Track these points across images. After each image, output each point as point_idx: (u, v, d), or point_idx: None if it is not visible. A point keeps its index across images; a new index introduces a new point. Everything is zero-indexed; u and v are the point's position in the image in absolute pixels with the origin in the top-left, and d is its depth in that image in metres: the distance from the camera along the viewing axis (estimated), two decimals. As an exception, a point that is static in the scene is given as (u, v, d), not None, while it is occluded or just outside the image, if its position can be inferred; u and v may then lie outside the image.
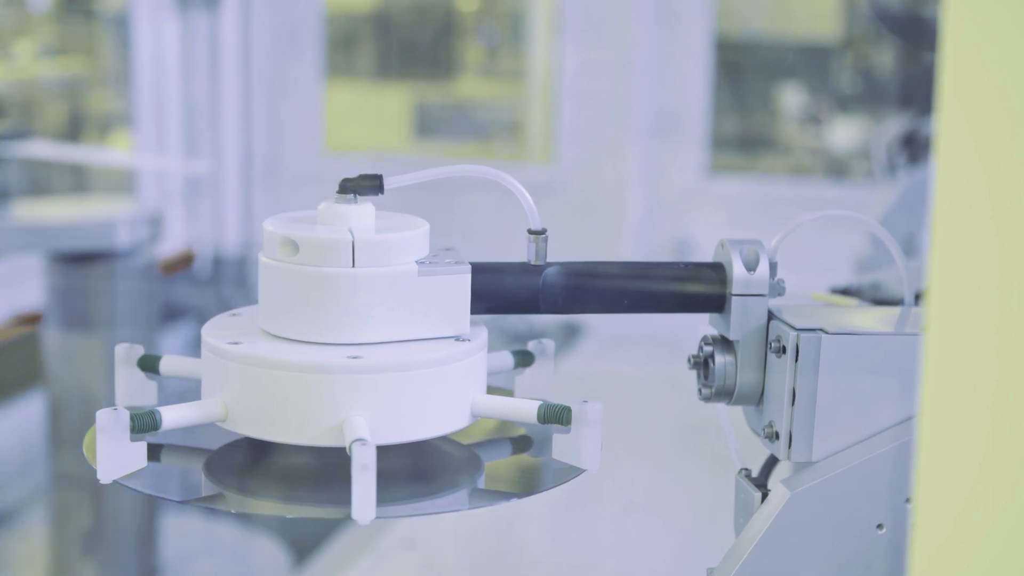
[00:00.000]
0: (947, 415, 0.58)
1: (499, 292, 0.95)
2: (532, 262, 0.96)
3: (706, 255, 1.00)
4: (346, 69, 4.45)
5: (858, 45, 4.30)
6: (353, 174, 0.95)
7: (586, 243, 3.60)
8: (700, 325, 1.04)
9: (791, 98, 4.23)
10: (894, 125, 2.67)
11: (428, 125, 4.52)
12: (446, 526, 1.98)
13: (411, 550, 1.98)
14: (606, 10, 3.83)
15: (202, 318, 3.12)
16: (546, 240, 0.97)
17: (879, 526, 0.94)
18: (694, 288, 0.97)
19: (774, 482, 0.98)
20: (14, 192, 2.77)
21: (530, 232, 0.96)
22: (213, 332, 0.94)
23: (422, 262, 0.92)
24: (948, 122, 0.57)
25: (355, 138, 4.47)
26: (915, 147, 2.49)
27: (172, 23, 3.79)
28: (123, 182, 3.85)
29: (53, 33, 3.87)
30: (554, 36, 3.97)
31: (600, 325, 3.23)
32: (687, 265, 0.98)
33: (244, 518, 2.53)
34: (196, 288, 3.83)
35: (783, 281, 0.97)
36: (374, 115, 4.49)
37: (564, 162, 3.92)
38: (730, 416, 1.03)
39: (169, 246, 3.82)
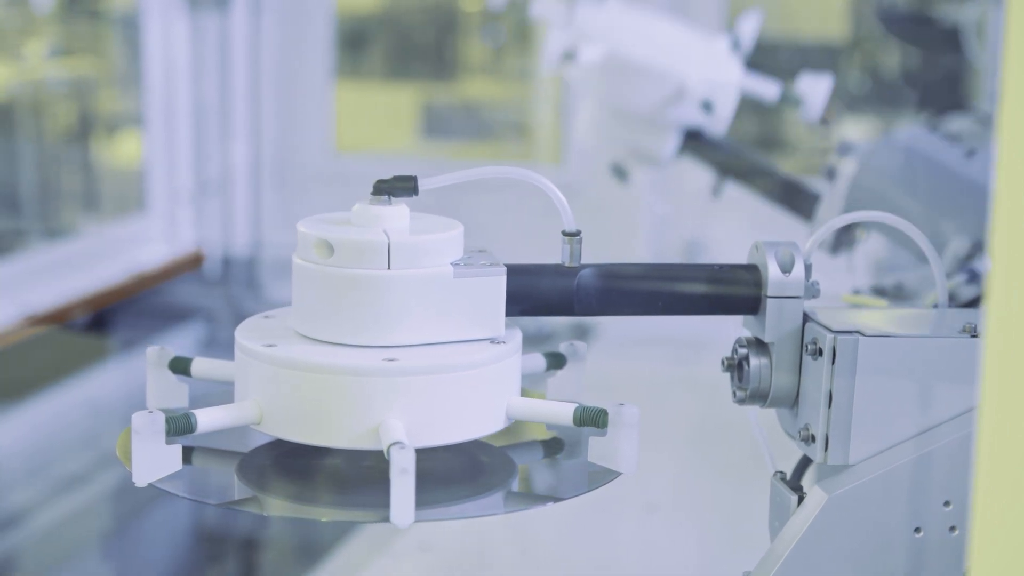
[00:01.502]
0: (1008, 417, 0.57)
1: (533, 294, 0.95)
2: (567, 264, 0.96)
3: (716, 256, 1.00)
4: (354, 69, 4.44)
5: (866, 45, 4.29)
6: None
7: (596, 244, 3.57)
8: (715, 326, 1.03)
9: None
10: (908, 125, 2.67)
11: (435, 126, 4.51)
12: (463, 527, 1.97)
13: (427, 551, 1.97)
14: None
15: (211, 319, 3.09)
16: (580, 242, 0.96)
17: (916, 529, 0.93)
18: (729, 290, 0.97)
19: (807, 484, 0.98)
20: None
21: (564, 234, 0.96)
22: (247, 334, 0.93)
23: (457, 264, 0.92)
24: (1010, 119, 0.56)
25: (363, 139, 4.46)
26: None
27: (182, 23, 3.78)
28: (132, 183, 3.85)
29: (61, 34, 3.87)
30: (563, 36, 3.95)
31: (612, 326, 3.21)
32: (721, 267, 0.97)
33: (260, 518, 2.52)
34: (205, 289, 3.82)
35: (818, 283, 0.97)
36: (382, 116, 4.48)
37: (573, 163, 3.91)
38: (760, 418, 1.03)
39: (178, 247, 3.82)
